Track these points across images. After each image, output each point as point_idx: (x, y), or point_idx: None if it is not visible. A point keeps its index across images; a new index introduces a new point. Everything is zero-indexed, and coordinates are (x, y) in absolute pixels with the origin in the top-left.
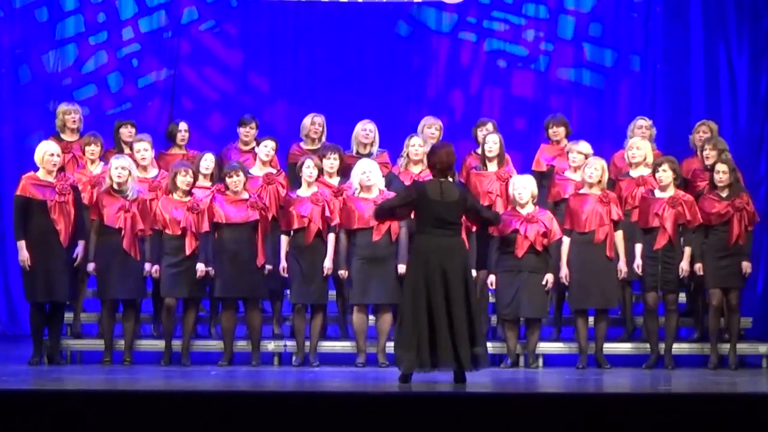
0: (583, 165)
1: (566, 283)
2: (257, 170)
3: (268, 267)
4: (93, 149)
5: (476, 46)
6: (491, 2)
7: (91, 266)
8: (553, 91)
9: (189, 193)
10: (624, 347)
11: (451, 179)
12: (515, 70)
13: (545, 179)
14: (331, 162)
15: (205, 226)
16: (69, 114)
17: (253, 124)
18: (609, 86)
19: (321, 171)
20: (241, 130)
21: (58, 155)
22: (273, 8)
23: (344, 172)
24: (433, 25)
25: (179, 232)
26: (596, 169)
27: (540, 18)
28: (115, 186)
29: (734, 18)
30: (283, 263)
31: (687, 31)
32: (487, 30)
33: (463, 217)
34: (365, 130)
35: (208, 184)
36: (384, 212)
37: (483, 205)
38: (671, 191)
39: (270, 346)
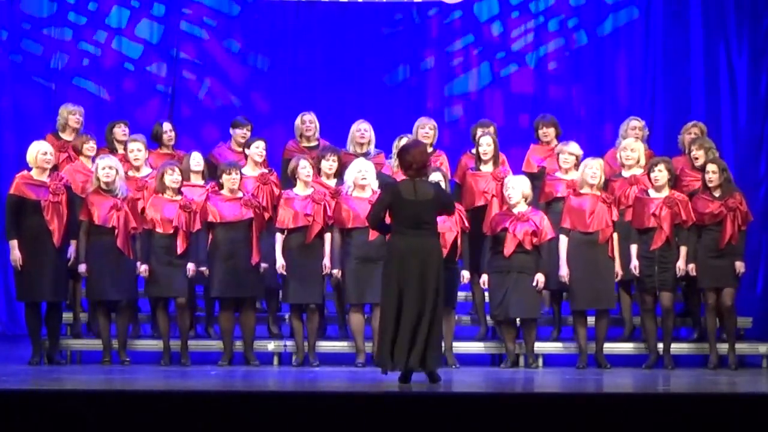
0: (581, 166)
1: (566, 282)
2: (250, 170)
3: (264, 265)
4: (92, 146)
5: (476, 46)
6: (491, 2)
7: (82, 267)
8: (551, 91)
9: (179, 191)
10: (624, 347)
11: (425, 178)
12: (514, 69)
13: (537, 180)
14: (330, 164)
15: (197, 225)
16: (74, 114)
17: (249, 126)
18: (609, 86)
19: (315, 171)
20: (237, 132)
21: (51, 154)
22: (273, 8)
23: (341, 173)
24: (433, 26)
25: (171, 231)
26: (597, 169)
27: (540, 18)
28: (103, 186)
29: (734, 18)
30: (282, 261)
31: (687, 31)
32: (487, 30)
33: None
34: (360, 131)
35: (200, 182)
36: (377, 222)
37: (450, 198)
38: (666, 191)
39: (270, 346)
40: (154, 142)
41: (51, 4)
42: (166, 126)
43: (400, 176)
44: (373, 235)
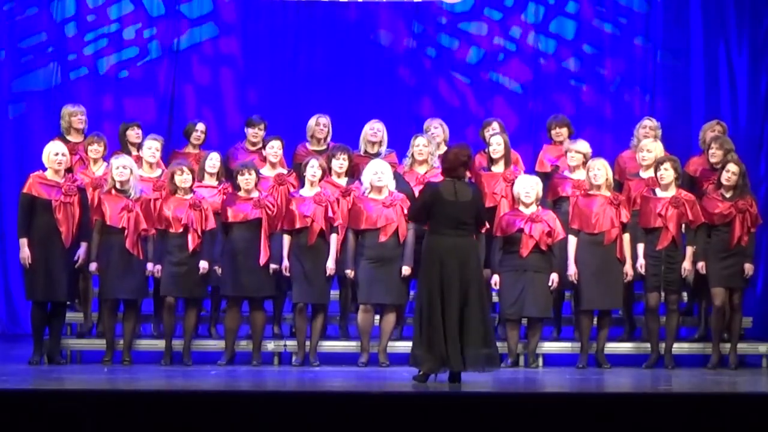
0: (585, 167)
1: (575, 282)
2: (268, 171)
3: (273, 266)
4: (96, 149)
5: (478, 46)
6: (491, 2)
7: (93, 266)
8: (553, 91)
9: (190, 190)
10: (624, 347)
11: (464, 179)
12: (517, 69)
13: (549, 180)
14: (341, 162)
15: (210, 224)
16: (75, 115)
17: (262, 125)
18: (609, 86)
19: (326, 171)
20: (249, 131)
21: (63, 155)
22: (273, 8)
23: (352, 172)
24: (433, 26)
25: (181, 230)
26: (599, 169)
27: (540, 18)
28: (117, 185)
29: (734, 18)
30: (286, 263)
31: (687, 31)
32: (489, 30)
33: None
34: (373, 129)
35: (214, 183)
36: (417, 216)
37: (484, 208)
38: (673, 191)
39: (270, 345)
40: (184, 139)
41: None
42: (200, 126)
43: (412, 176)
44: (384, 236)
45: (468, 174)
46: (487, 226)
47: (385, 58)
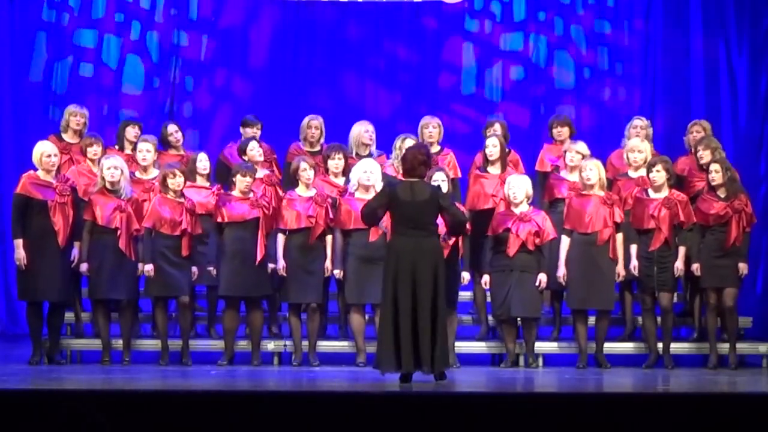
0: (579, 167)
1: (563, 283)
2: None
3: (271, 265)
4: (96, 150)
5: (476, 47)
6: (490, 3)
7: (84, 266)
8: (552, 90)
9: (182, 194)
10: (624, 347)
11: (423, 179)
12: (517, 69)
13: (546, 180)
14: (336, 162)
15: (199, 228)
16: (75, 116)
17: (258, 125)
18: (609, 86)
19: (316, 170)
20: (246, 131)
21: (55, 155)
22: (274, 8)
23: (347, 172)
24: (433, 27)
25: (176, 233)
26: (591, 170)
27: (540, 17)
28: (108, 186)
29: (734, 18)
30: (282, 262)
31: (687, 31)
32: (487, 30)
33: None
34: (368, 132)
35: (206, 183)
36: (369, 215)
37: (456, 207)
38: (665, 192)
39: (270, 345)
40: (164, 144)
41: None
42: (171, 128)
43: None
44: (373, 235)
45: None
46: (468, 227)
47: (384, 59)
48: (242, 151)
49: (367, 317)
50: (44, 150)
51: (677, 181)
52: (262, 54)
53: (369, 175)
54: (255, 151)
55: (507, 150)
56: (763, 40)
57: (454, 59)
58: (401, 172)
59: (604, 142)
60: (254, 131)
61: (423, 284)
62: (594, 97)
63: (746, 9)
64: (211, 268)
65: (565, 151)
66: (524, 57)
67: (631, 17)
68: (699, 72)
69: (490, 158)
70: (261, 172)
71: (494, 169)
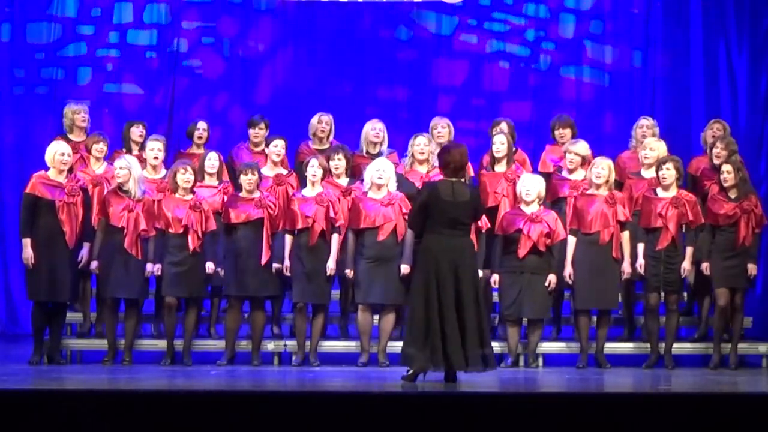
0: (586, 166)
1: (570, 282)
2: (268, 170)
3: (276, 266)
4: (101, 147)
5: (477, 47)
6: (491, 3)
7: (94, 264)
8: (554, 91)
9: (191, 191)
10: (624, 347)
11: (463, 179)
12: (517, 70)
13: (549, 181)
14: (336, 163)
15: (212, 225)
16: (78, 113)
17: (263, 125)
18: (609, 86)
19: (327, 170)
20: (251, 131)
21: (68, 155)
22: (274, 8)
23: (353, 172)
24: (433, 27)
25: (181, 231)
26: (603, 168)
27: (540, 17)
28: (120, 186)
29: (734, 18)
30: (287, 263)
31: (687, 31)
32: (488, 31)
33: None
34: (375, 129)
35: (215, 182)
36: (416, 223)
37: (482, 206)
38: (674, 191)
39: (270, 345)
40: (188, 139)
41: None
42: (201, 125)
43: (414, 176)
44: (383, 235)
45: (471, 173)
46: (488, 225)
47: (388, 57)
48: (267, 144)
49: (373, 317)
50: (58, 149)
51: (691, 182)
52: (263, 53)
53: (382, 174)
54: (277, 148)
55: (514, 149)
56: (763, 40)
57: (455, 59)
58: (442, 171)
59: (605, 141)
60: (259, 131)
61: (466, 284)
62: (593, 98)
63: (746, 9)
64: (219, 270)
65: (565, 152)
66: (525, 57)
67: (631, 17)
68: (699, 72)
69: (497, 155)
70: (273, 171)
71: (500, 167)
